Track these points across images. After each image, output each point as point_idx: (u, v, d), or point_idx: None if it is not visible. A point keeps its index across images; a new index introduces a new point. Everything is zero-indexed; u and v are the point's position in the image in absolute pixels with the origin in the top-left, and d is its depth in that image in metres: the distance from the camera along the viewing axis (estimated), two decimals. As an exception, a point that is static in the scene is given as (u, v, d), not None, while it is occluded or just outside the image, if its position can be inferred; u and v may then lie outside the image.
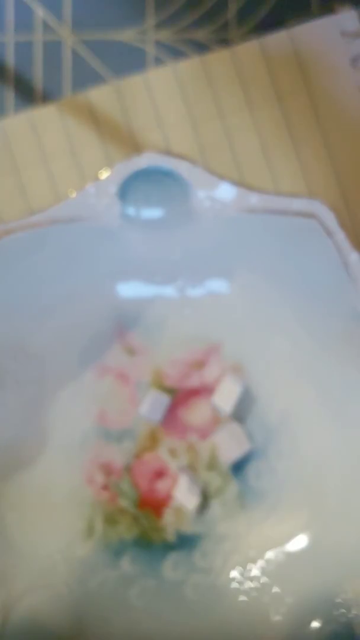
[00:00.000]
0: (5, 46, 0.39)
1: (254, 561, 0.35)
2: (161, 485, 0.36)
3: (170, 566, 0.35)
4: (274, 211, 0.32)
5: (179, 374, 0.37)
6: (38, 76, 0.39)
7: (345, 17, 0.38)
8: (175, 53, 0.39)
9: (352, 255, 0.31)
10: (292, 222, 0.32)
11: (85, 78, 0.39)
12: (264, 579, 0.34)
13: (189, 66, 0.38)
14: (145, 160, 0.32)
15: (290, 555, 0.35)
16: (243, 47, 0.38)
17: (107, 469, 0.36)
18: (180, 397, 0.37)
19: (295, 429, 0.36)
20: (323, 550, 0.34)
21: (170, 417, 0.37)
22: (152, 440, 0.37)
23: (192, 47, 0.39)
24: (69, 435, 0.37)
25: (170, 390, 0.37)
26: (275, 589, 0.34)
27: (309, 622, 0.32)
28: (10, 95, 0.39)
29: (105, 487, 0.36)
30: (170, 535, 0.36)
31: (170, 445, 0.37)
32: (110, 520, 0.36)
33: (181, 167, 0.32)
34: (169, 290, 0.37)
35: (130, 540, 0.36)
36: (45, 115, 0.38)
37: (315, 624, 0.32)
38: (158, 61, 0.39)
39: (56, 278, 0.35)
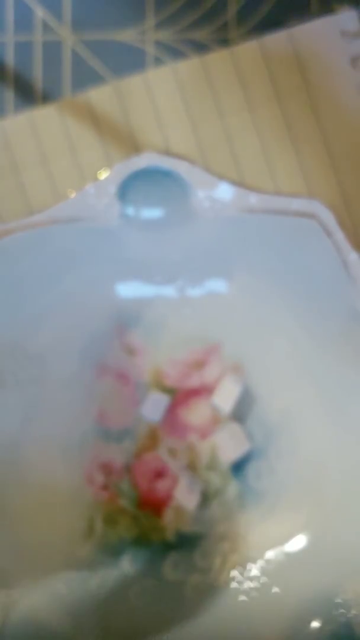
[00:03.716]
0: (5, 46, 0.39)
1: (253, 561, 0.35)
2: (161, 485, 0.36)
3: (170, 566, 0.35)
4: (273, 211, 0.32)
5: (178, 374, 0.37)
6: (38, 76, 0.39)
7: (345, 17, 0.38)
8: (175, 53, 0.39)
9: (351, 255, 0.31)
10: (291, 222, 0.32)
11: (85, 78, 0.39)
12: (263, 579, 0.34)
13: (189, 66, 0.38)
14: (144, 161, 0.32)
15: (290, 555, 0.35)
16: (243, 47, 0.38)
17: (107, 469, 0.37)
18: (180, 397, 0.37)
19: (295, 429, 0.36)
20: (323, 550, 0.34)
21: (170, 417, 0.37)
22: (152, 440, 0.37)
23: (192, 47, 0.39)
24: (69, 435, 0.37)
25: (170, 390, 0.37)
26: (275, 589, 0.34)
27: (309, 622, 0.32)
28: (10, 95, 0.39)
29: (105, 487, 0.36)
30: (170, 535, 0.36)
31: (170, 445, 0.37)
32: (110, 520, 0.36)
33: (181, 167, 0.32)
34: (168, 290, 0.37)
35: (130, 540, 0.36)
36: (45, 115, 0.38)
37: (315, 624, 0.32)
38: (158, 61, 0.39)
39: (56, 278, 0.35)
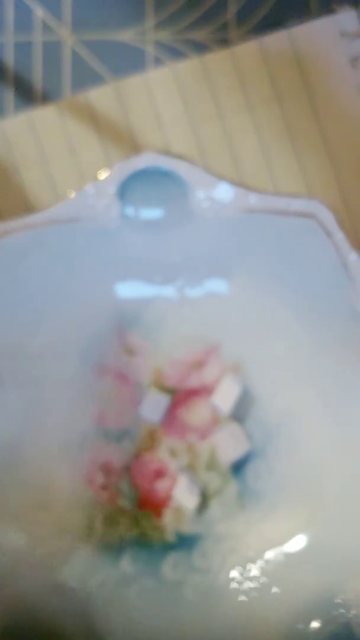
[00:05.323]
0: (5, 46, 0.39)
1: (253, 561, 0.35)
2: (161, 486, 0.36)
3: (170, 566, 0.35)
4: (273, 211, 0.32)
5: (178, 374, 0.37)
6: (38, 76, 0.39)
7: (345, 17, 0.38)
8: (175, 53, 0.39)
9: (351, 255, 0.31)
10: (291, 222, 0.32)
11: (85, 78, 0.39)
12: (263, 579, 0.34)
13: (189, 66, 0.38)
14: (144, 161, 0.32)
15: (289, 556, 0.35)
16: (242, 47, 0.38)
17: (107, 469, 0.37)
18: (180, 397, 0.37)
19: (295, 429, 0.36)
20: (322, 550, 0.34)
21: (170, 418, 0.37)
22: (152, 441, 0.37)
23: (191, 47, 0.39)
24: (69, 435, 0.37)
25: (169, 391, 0.37)
26: (275, 589, 0.34)
27: (309, 622, 0.32)
28: (10, 96, 0.39)
29: (105, 487, 0.36)
30: (170, 535, 0.36)
31: (170, 445, 0.37)
32: (110, 520, 0.36)
33: (180, 167, 0.32)
34: (168, 291, 0.37)
35: (130, 540, 0.36)
36: (45, 115, 0.38)
37: (315, 624, 0.32)
38: (158, 61, 0.39)
39: (55, 278, 0.35)
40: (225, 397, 0.36)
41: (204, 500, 0.36)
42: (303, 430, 0.36)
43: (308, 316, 0.35)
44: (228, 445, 0.36)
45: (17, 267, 0.34)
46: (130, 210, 0.33)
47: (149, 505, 0.36)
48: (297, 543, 0.35)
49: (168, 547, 0.36)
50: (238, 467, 0.36)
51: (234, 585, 0.35)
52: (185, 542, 0.36)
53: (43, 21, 0.39)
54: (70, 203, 0.33)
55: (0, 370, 0.36)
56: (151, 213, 0.33)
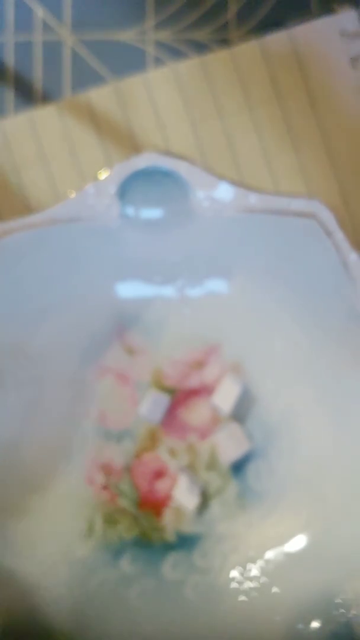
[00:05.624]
0: (5, 46, 0.39)
1: (253, 561, 0.35)
2: (161, 486, 0.36)
3: (170, 566, 0.35)
4: (273, 211, 0.32)
5: (178, 374, 0.37)
6: (38, 76, 0.39)
7: (345, 17, 0.38)
8: (175, 53, 0.39)
9: (351, 255, 0.31)
10: (291, 222, 0.32)
11: (85, 78, 0.39)
12: (263, 579, 0.34)
13: (189, 66, 0.38)
14: (144, 161, 0.32)
15: (289, 555, 0.35)
16: (243, 48, 0.38)
17: (107, 469, 0.37)
18: (180, 397, 0.37)
19: (295, 429, 0.36)
20: (322, 551, 0.34)
21: (170, 417, 0.37)
22: (152, 441, 0.37)
23: (192, 47, 0.39)
24: (69, 435, 0.37)
25: (170, 390, 0.37)
26: (275, 589, 0.34)
27: (309, 622, 0.32)
28: (10, 95, 0.39)
29: (105, 487, 0.36)
30: (170, 535, 0.36)
31: (170, 445, 0.37)
32: (110, 520, 0.36)
33: (180, 167, 0.32)
34: (168, 290, 0.37)
35: (130, 540, 0.36)
36: (45, 115, 0.38)
37: (315, 624, 0.32)
38: (158, 61, 0.39)
39: (56, 278, 0.35)
40: (225, 397, 0.36)
41: (204, 500, 0.36)
42: (303, 430, 0.36)
43: (308, 316, 0.35)
44: (228, 445, 0.36)
45: (16, 267, 0.34)
46: (130, 210, 0.33)
47: (149, 505, 0.36)
48: (297, 543, 0.35)
49: (168, 547, 0.36)
50: (238, 467, 0.36)
51: (234, 585, 0.35)
52: (185, 542, 0.36)
53: (43, 21, 0.39)
54: (70, 203, 0.33)
55: (0, 370, 0.36)
56: (151, 213, 0.33)
